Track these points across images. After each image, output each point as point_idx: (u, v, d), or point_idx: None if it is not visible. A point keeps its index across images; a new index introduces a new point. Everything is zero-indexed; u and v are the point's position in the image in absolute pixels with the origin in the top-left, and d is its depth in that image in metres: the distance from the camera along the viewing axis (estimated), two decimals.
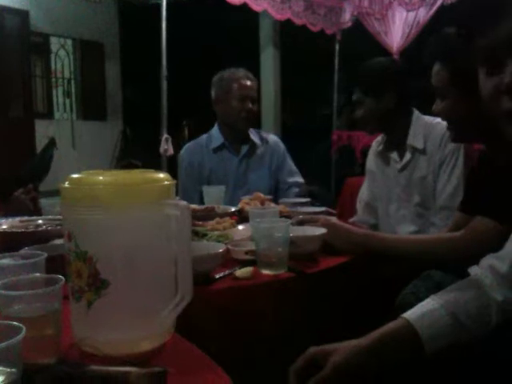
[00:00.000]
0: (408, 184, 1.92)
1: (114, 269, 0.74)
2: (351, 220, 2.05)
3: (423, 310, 0.91)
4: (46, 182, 6.58)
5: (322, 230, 1.35)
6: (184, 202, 0.77)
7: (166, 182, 0.78)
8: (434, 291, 1.00)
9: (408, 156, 1.91)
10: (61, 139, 7.10)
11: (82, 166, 7.61)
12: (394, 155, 1.96)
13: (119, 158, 8.06)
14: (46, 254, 0.94)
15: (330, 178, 6.61)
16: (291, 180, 2.51)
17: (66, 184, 0.77)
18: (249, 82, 2.45)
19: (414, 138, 1.89)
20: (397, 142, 1.96)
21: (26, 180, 5.84)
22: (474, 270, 0.99)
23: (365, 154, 2.34)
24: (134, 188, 0.75)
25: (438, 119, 1.90)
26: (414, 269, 1.35)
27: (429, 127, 1.89)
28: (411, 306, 0.98)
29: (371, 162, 2.11)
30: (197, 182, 2.43)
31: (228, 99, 2.43)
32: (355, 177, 3.96)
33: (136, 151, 7.56)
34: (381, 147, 2.03)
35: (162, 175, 0.80)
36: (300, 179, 2.54)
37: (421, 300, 0.98)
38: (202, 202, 2.17)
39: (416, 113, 1.94)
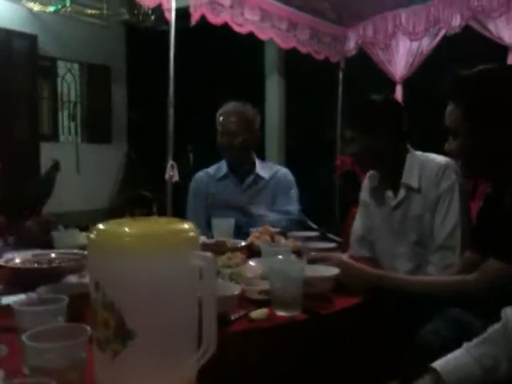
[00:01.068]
0: (403, 222, 1.91)
1: (141, 319, 0.74)
2: (348, 254, 2.01)
3: (456, 364, 0.93)
4: (50, 204, 6.60)
5: (335, 270, 1.36)
6: (209, 254, 0.78)
7: (191, 233, 0.80)
8: (456, 329, 1.01)
9: (402, 194, 1.89)
10: (65, 162, 7.12)
11: (85, 189, 7.65)
12: (389, 192, 1.95)
13: (123, 183, 8.08)
14: (67, 299, 0.95)
15: (334, 203, 6.62)
16: (283, 207, 2.49)
17: (93, 235, 0.78)
18: (236, 117, 2.48)
19: (409, 177, 1.87)
20: (391, 179, 1.94)
21: (29, 203, 5.87)
22: (506, 314, 1.00)
23: None
24: (160, 239, 0.76)
25: (432, 156, 1.91)
26: (428, 307, 1.35)
27: (422, 164, 1.87)
28: (432, 345, 0.99)
29: (365, 194, 2.10)
30: (204, 211, 2.48)
31: (220, 133, 2.52)
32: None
33: (140, 175, 7.59)
34: (375, 182, 2.02)
35: (186, 226, 0.81)
36: (292, 207, 2.50)
37: (442, 339, 0.99)
38: (209, 230, 2.19)
39: (411, 150, 1.93)
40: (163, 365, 0.76)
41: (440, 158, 1.85)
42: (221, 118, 2.51)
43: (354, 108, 2.00)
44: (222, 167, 2.60)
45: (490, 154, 1.39)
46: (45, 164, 7.16)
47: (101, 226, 0.79)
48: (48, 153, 7.33)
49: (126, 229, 0.77)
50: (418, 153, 1.92)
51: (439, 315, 1.29)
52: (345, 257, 1.54)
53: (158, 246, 0.75)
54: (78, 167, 7.84)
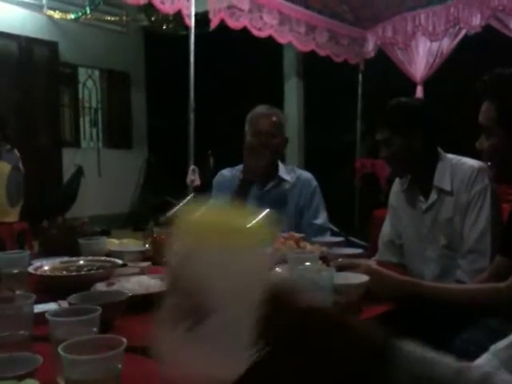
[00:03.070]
0: (433, 225, 1.88)
1: (215, 304, 0.74)
2: (374, 259, 1.99)
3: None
4: (72, 209, 6.68)
5: (365, 278, 1.34)
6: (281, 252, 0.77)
7: (266, 229, 0.79)
8: (493, 340, 0.99)
9: (434, 197, 1.87)
10: (87, 167, 7.21)
11: (106, 194, 7.72)
12: (419, 195, 1.93)
13: (144, 188, 8.15)
14: (100, 309, 0.95)
15: (354, 206, 6.58)
16: (313, 221, 2.48)
17: (179, 222, 0.77)
18: (268, 119, 2.45)
19: (441, 179, 1.85)
20: (422, 182, 1.92)
21: (53, 209, 5.95)
22: None
23: (389, 182, 2.29)
24: (240, 232, 0.75)
25: (464, 159, 1.88)
26: (461, 315, 1.33)
27: (455, 167, 1.85)
28: (468, 355, 0.97)
29: (394, 198, 2.07)
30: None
31: (249, 135, 2.47)
32: (383, 208, 3.93)
33: (161, 180, 7.64)
34: (406, 185, 1.99)
35: (262, 221, 0.80)
36: (321, 221, 2.48)
37: (479, 348, 0.97)
38: None
39: (442, 152, 1.90)
40: (229, 349, 0.75)
41: (473, 162, 1.83)
42: (253, 119, 2.46)
43: (389, 109, 1.95)
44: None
45: None
46: (67, 170, 7.26)
47: (186, 212, 0.78)
48: (70, 159, 7.43)
49: (210, 218, 0.76)
50: (450, 156, 1.90)
51: (475, 325, 1.26)
52: (374, 263, 1.52)
53: (237, 238, 0.75)
54: (100, 172, 7.91)
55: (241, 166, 2.57)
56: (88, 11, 7.05)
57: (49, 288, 1.49)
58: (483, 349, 0.97)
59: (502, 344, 0.97)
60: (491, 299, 1.32)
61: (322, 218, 2.49)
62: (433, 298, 1.35)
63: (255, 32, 4.65)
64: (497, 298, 1.32)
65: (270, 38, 4.94)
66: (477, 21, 5.17)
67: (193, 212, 0.80)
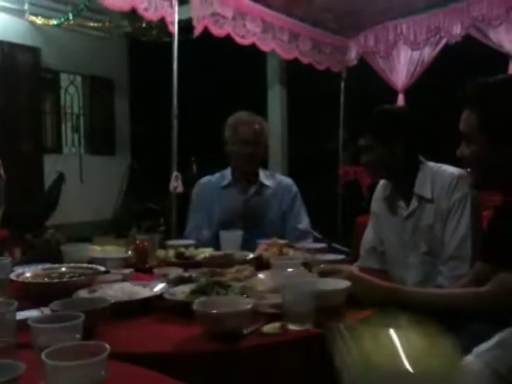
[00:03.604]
0: (415, 232, 1.91)
1: None
2: (356, 265, 2.00)
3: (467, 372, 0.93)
4: (53, 216, 6.62)
5: (347, 283, 1.35)
6: None
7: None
8: (476, 343, 1.01)
9: (414, 204, 1.89)
10: (69, 174, 7.14)
11: (89, 201, 7.64)
12: (401, 202, 1.95)
13: (127, 194, 8.10)
14: (83, 316, 0.95)
15: (337, 213, 6.62)
16: (296, 226, 2.52)
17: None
18: (251, 127, 2.49)
19: (421, 187, 1.88)
20: (403, 189, 1.94)
21: (34, 216, 5.89)
22: None
23: (371, 189, 2.33)
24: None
25: (445, 166, 1.92)
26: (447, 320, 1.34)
27: (435, 175, 1.88)
28: None
29: (376, 205, 2.09)
30: (206, 218, 2.49)
31: (232, 142, 2.50)
32: (365, 215, 3.96)
33: (143, 186, 7.60)
34: (387, 192, 2.02)
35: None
36: (304, 226, 2.53)
37: (464, 352, 0.99)
38: (213, 240, 2.23)
39: (423, 160, 1.93)
40: None
41: (453, 169, 1.86)
42: (240, 127, 2.50)
43: (372, 116, 1.97)
44: (225, 176, 2.60)
45: (505, 168, 1.39)
46: (48, 176, 7.18)
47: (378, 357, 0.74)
48: (51, 165, 7.35)
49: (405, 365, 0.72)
50: (431, 163, 1.93)
51: (460, 329, 1.28)
52: (355, 269, 1.54)
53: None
54: (82, 179, 7.84)
55: (219, 174, 2.62)
56: (71, 17, 7.00)
57: (31, 295, 1.49)
58: (467, 352, 0.99)
59: (484, 347, 0.99)
60: (471, 304, 1.34)
61: (304, 223, 2.54)
62: (414, 303, 1.36)
63: (238, 39, 4.66)
64: (477, 302, 1.34)
65: (253, 46, 4.96)
66: (457, 30, 5.25)
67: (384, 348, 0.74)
